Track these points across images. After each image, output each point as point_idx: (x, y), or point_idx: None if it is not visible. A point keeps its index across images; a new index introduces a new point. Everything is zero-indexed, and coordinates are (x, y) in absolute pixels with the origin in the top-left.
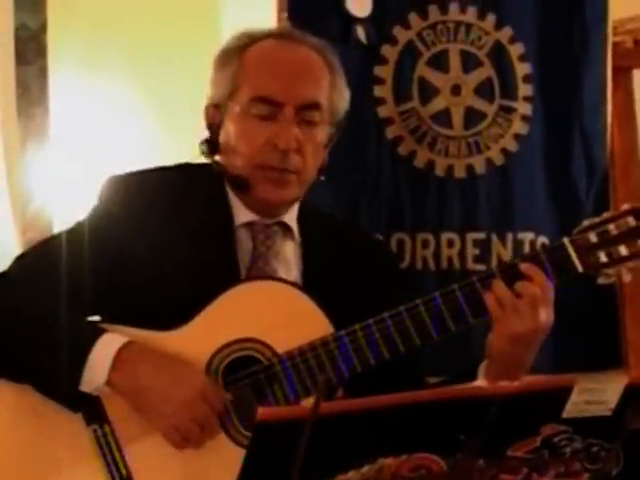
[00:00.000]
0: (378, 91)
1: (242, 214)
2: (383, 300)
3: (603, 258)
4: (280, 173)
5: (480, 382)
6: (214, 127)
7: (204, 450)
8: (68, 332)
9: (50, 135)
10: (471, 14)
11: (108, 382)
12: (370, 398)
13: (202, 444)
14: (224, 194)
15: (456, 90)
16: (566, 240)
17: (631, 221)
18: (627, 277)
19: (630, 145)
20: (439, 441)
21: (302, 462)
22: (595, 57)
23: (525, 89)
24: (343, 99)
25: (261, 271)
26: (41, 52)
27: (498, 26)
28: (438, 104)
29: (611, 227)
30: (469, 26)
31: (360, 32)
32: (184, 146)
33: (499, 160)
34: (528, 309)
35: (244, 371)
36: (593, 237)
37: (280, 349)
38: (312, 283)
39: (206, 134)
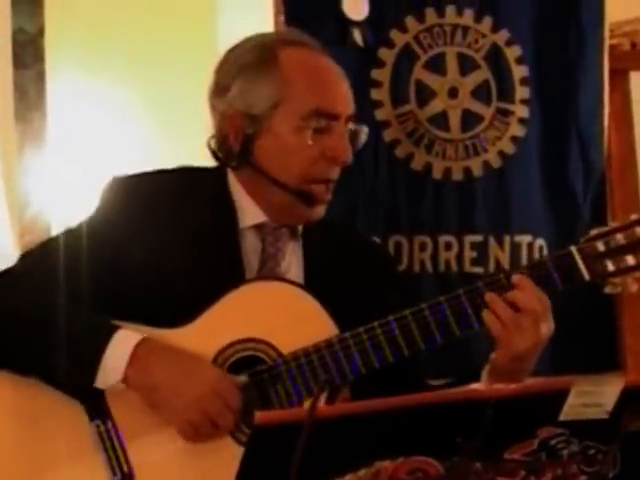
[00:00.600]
0: (375, 94)
1: (250, 216)
2: (380, 302)
3: (610, 267)
4: (326, 190)
5: (477, 385)
6: (247, 137)
7: (206, 448)
8: (81, 329)
9: (48, 139)
10: (468, 17)
11: (124, 379)
12: (367, 401)
13: (216, 439)
14: (228, 197)
15: (453, 93)
16: (573, 248)
17: (638, 231)
18: (633, 287)
19: (627, 147)
20: (436, 444)
21: (299, 465)
22: (592, 60)
23: (522, 92)
24: None
25: (271, 272)
26: (39, 56)
27: (495, 29)
28: (435, 107)
29: (619, 237)
30: (466, 29)
31: (357, 35)
32: (182, 149)
33: (496, 163)
34: (530, 325)
35: (248, 371)
36: (600, 246)
37: (284, 350)
38: (313, 283)
39: (204, 137)
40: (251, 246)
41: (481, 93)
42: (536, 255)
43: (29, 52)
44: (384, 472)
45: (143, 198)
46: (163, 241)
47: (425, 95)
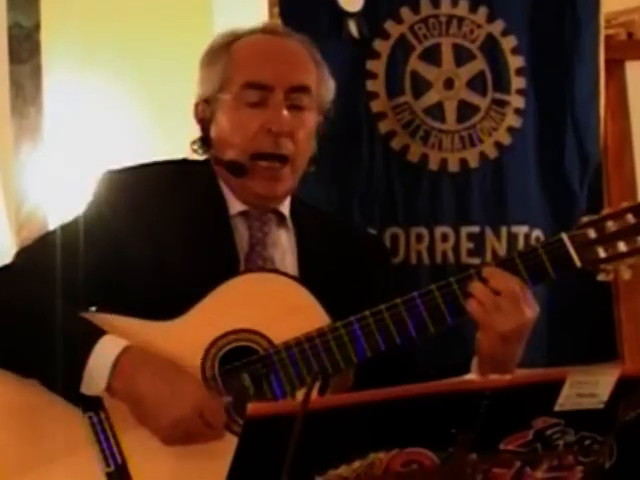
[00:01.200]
0: (371, 85)
1: (236, 204)
2: (375, 292)
3: (602, 254)
4: (273, 167)
5: (472, 376)
6: (205, 123)
7: None
8: (67, 334)
9: (44, 134)
10: (463, 7)
11: (108, 389)
12: (360, 392)
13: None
14: (217, 187)
15: (449, 84)
16: (564, 235)
17: (630, 218)
18: (626, 274)
19: (623, 137)
20: (431, 435)
21: (293, 457)
22: (587, 50)
23: (518, 82)
24: (329, 89)
25: (260, 256)
26: (35, 51)
27: (490, 19)
28: (431, 98)
29: (610, 224)
30: (461, 19)
31: (352, 27)
32: (178, 144)
33: (492, 153)
34: (511, 306)
35: (240, 361)
36: (592, 233)
37: (277, 340)
38: (308, 272)
39: (199, 132)
40: (240, 233)
41: (477, 84)
42: None
43: (25, 47)
44: (378, 463)
45: (137, 191)
46: (159, 232)
47: (421, 86)
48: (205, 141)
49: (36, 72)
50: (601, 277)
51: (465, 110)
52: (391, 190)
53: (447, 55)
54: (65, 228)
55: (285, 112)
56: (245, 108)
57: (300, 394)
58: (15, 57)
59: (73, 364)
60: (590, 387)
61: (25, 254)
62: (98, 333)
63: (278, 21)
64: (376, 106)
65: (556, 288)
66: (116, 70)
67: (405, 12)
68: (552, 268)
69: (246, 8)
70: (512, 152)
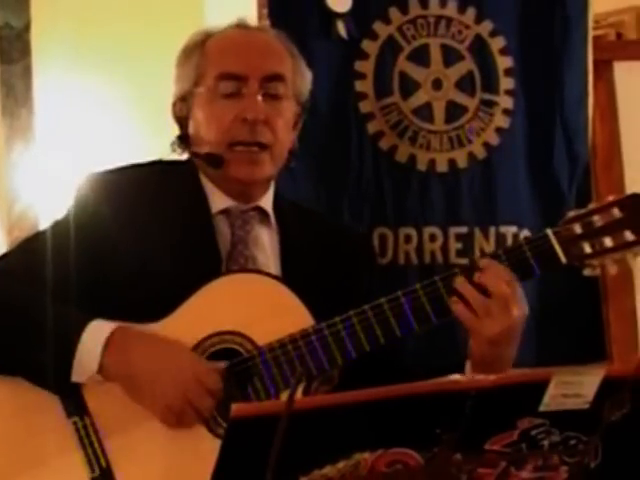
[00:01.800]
0: (359, 86)
1: (218, 201)
2: (360, 291)
3: (587, 249)
4: (251, 151)
5: (457, 376)
6: (182, 120)
7: (184, 441)
8: (55, 322)
9: (35, 134)
10: (451, 8)
11: (100, 368)
12: (345, 393)
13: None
14: (199, 185)
15: (437, 84)
16: (549, 231)
17: (616, 212)
18: (613, 269)
19: (612, 138)
20: (416, 436)
21: (277, 458)
22: (576, 50)
23: (506, 82)
24: (306, 80)
25: (241, 255)
26: (25, 51)
27: (478, 20)
28: (419, 98)
29: (596, 218)
30: (449, 20)
31: (340, 27)
32: (167, 144)
33: (481, 154)
34: (501, 309)
35: (225, 363)
36: (577, 228)
37: (261, 342)
38: (291, 271)
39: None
40: (222, 231)
41: (465, 84)
42: None
43: (16, 47)
44: (363, 463)
45: (122, 191)
46: (142, 233)
47: (409, 87)
48: (183, 139)
49: (27, 72)
50: (587, 272)
51: (453, 110)
52: (380, 190)
53: (435, 56)
54: (53, 229)
55: (260, 100)
56: (220, 100)
57: (284, 395)
58: (6, 57)
59: (62, 350)
60: (575, 387)
61: (11, 255)
62: (86, 318)
63: (267, 22)
64: (364, 106)
65: (545, 288)
66: (106, 70)
67: (393, 13)
68: (537, 264)
69: (237, 9)
70: (501, 152)
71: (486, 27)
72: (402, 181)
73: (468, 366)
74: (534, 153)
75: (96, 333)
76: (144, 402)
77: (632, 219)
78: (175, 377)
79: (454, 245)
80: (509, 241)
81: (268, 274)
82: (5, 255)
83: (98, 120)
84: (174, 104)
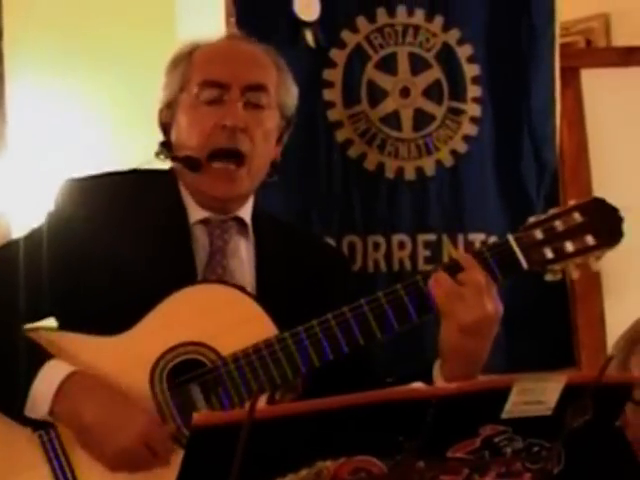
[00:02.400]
0: (327, 94)
1: (197, 212)
2: (334, 304)
3: (549, 254)
4: (228, 169)
5: (418, 384)
6: (166, 127)
7: None
8: (14, 358)
9: (8, 142)
10: (419, 16)
11: (51, 414)
12: (306, 401)
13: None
14: (178, 195)
15: (405, 92)
16: (510, 237)
17: (577, 217)
18: (575, 274)
19: (579, 145)
20: (378, 443)
21: (239, 467)
22: (543, 58)
23: (474, 90)
24: (291, 94)
25: (219, 264)
26: None
27: (446, 28)
28: (387, 106)
29: (557, 223)
30: (417, 28)
31: (309, 36)
32: (141, 153)
33: (449, 162)
34: (473, 297)
35: (188, 374)
36: (539, 234)
37: (225, 352)
38: (265, 283)
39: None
40: (201, 241)
41: (433, 92)
42: None
43: None
44: (326, 472)
45: (99, 199)
46: (117, 241)
47: (377, 95)
48: (166, 145)
49: None
50: (549, 277)
51: (421, 119)
52: (348, 198)
53: (403, 64)
54: (25, 238)
55: (240, 108)
56: (202, 106)
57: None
58: None
59: (17, 387)
60: (537, 394)
61: None
62: (44, 357)
63: (235, 30)
64: (333, 115)
65: (513, 294)
66: (80, 77)
67: (361, 21)
68: (498, 270)
69: (206, 18)
70: (468, 160)
71: (453, 35)
72: (371, 189)
73: (437, 367)
74: (502, 160)
75: (50, 376)
76: (93, 454)
77: (593, 223)
78: (124, 443)
79: (422, 252)
80: None
81: (232, 284)
82: None
83: (71, 127)
84: (160, 111)
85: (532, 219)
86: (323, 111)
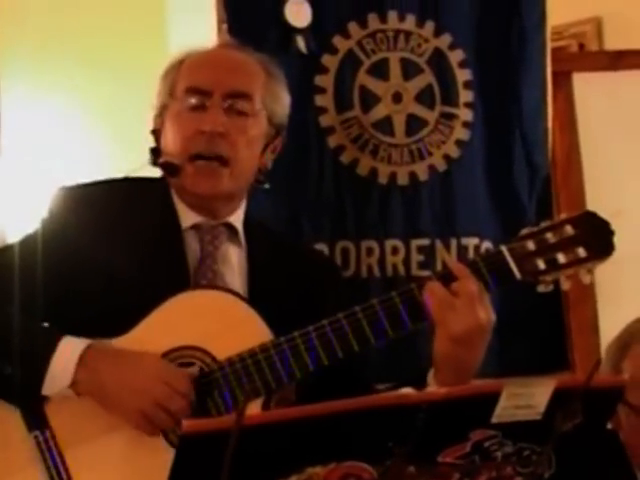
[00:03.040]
0: (319, 100)
1: (188, 217)
2: (325, 312)
3: (541, 265)
4: (210, 166)
5: (408, 389)
6: (157, 133)
7: (144, 454)
8: (25, 336)
9: (2, 149)
10: (410, 22)
11: (72, 384)
12: (296, 408)
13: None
14: (170, 201)
15: (397, 98)
16: (504, 247)
17: (569, 230)
18: (566, 285)
19: (571, 149)
20: (368, 449)
21: (228, 473)
22: (534, 62)
23: (466, 95)
24: (281, 103)
25: (210, 269)
26: None
27: (437, 33)
28: (379, 112)
29: (549, 235)
30: (408, 34)
31: (300, 42)
32: (133, 159)
33: (441, 166)
34: (465, 307)
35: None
36: (531, 245)
37: (221, 356)
38: (257, 290)
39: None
40: (192, 247)
41: (425, 97)
42: None
43: None
44: (316, 478)
45: (92, 206)
46: (112, 248)
47: (369, 100)
48: (156, 152)
49: None
50: (541, 289)
51: (413, 124)
52: (341, 204)
53: (395, 69)
54: (22, 244)
55: (221, 114)
56: (186, 112)
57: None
58: None
59: (36, 364)
60: (527, 398)
61: None
62: (58, 334)
63: (227, 37)
64: (325, 121)
65: (507, 298)
66: (72, 86)
67: (353, 27)
68: (492, 280)
69: (198, 26)
70: (461, 165)
71: (445, 40)
72: (363, 194)
73: (431, 375)
74: (494, 165)
75: (69, 349)
76: (116, 411)
77: (584, 236)
78: (142, 382)
79: (416, 257)
80: (471, 253)
81: (226, 289)
82: None
83: (63, 135)
84: (154, 119)
85: (525, 230)
86: (315, 117)
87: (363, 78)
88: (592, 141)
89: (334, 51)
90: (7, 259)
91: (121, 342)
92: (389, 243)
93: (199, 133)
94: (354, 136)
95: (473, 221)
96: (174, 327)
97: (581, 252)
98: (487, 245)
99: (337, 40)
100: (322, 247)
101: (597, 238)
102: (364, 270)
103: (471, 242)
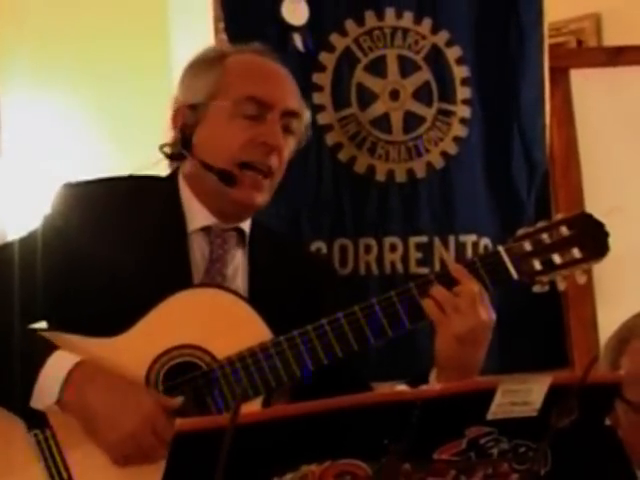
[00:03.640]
0: (317, 98)
1: (199, 218)
2: (324, 313)
3: (537, 266)
4: (257, 178)
5: (402, 386)
6: (187, 128)
7: None
8: (19, 348)
9: (2, 148)
10: (407, 19)
11: (58, 402)
12: (291, 405)
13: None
14: (177, 202)
15: (394, 95)
16: (501, 248)
17: (564, 230)
18: (561, 285)
19: (569, 145)
20: (363, 446)
21: (223, 472)
22: (532, 59)
23: (463, 92)
24: (306, 119)
25: (219, 273)
26: None
27: (434, 30)
28: (377, 109)
29: (545, 236)
30: (406, 31)
31: (297, 40)
32: (133, 159)
33: (439, 163)
34: (468, 307)
35: (183, 377)
36: (528, 245)
37: (220, 355)
38: (257, 290)
39: (155, 144)
40: (199, 249)
41: (422, 94)
42: None
43: None
44: (311, 476)
45: (95, 204)
46: (115, 247)
47: (366, 98)
48: (187, 144)
49: None
50: (536, 289)
51: (411, 121)
52: (339, 202)
53: (392, 66)
54: (21, 241)
55: (280, 130)
56: (240, 119)
57: (243, 409)
58: None
59: (24, 376)
60: (522, 395)
61: None
62: (51, 347)
63: (224, 36)
64: (323, 118)
65: (506, 295)
66: (71, 87)
67: (350, 25)
68: (490, 280)
69: (196, 26)
70: (459, 162)
71: (442, 37)
72: (361, 192)
73: (433, 374)
74: (492, 161)
75: (58, 365)
76: (99, 444)
77: (580, 237)
78: (131, 427)
79: (414, 255)
80: (469, 250)
81: (227, 288)
82: None
83: (63, 135)
84: (179, 110)
85: (521, 231)
86: (313, 115)
87: (360, 75)
88: (590, 137)
89: (331, 49)
90: (7, 256)
91: (121, 340)
92: (387, 240)
93: (257, 143)
94: (352, 133)
95: (471, 218)
96: (173, 325)
97: (576, 253)
98: (485, 242)
99: (334, 38)
100: (320, 245)
101: (592, 239)
102: (362, 268)
103: (469, 239)
